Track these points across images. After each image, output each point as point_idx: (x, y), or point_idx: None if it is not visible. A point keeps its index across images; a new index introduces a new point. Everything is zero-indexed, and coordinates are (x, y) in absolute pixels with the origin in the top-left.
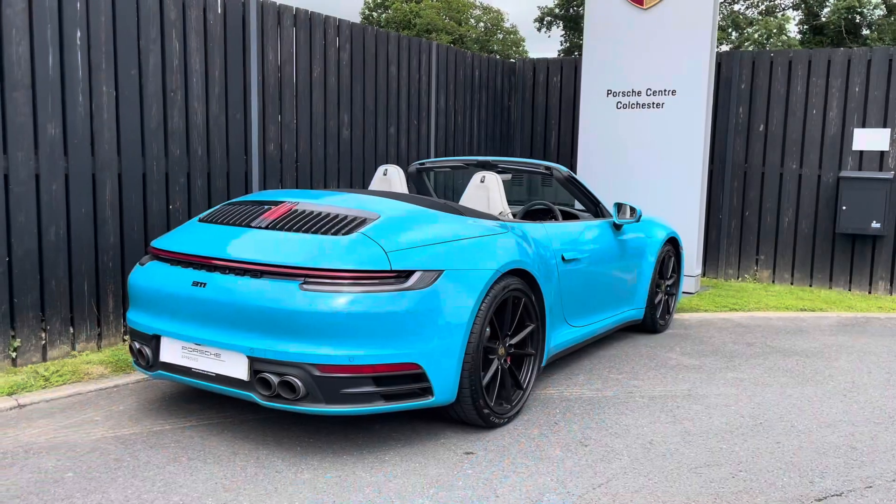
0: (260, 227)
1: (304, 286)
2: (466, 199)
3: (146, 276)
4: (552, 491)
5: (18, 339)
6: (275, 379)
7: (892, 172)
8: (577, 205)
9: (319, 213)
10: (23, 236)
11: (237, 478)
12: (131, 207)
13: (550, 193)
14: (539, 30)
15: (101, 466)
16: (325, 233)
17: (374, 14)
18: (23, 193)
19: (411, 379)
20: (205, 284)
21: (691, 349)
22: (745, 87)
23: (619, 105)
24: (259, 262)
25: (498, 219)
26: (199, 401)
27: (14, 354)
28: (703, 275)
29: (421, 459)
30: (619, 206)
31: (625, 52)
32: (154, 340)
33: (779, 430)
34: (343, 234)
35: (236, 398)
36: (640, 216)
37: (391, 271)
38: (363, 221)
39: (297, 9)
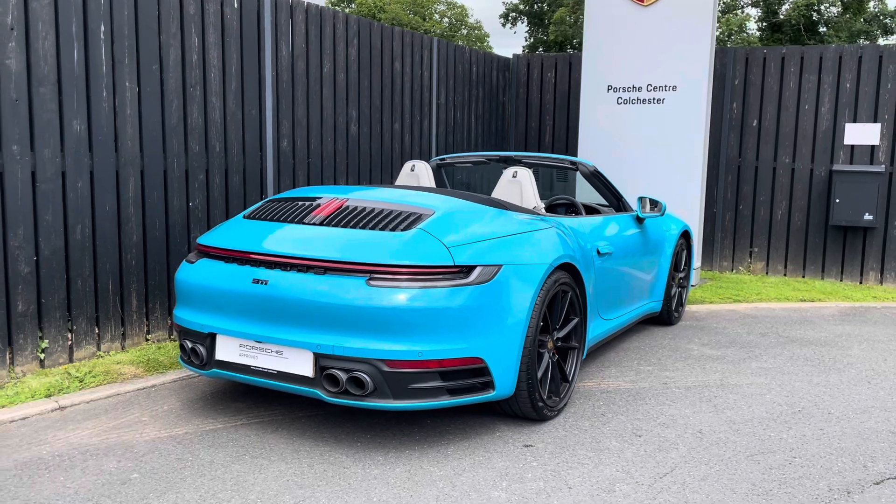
0: (314, 224)
1: (372, 282)
2: (498, 194)
3: (198, 273)
4: (621, 481)
5: (46, 340)
6: (343, 375)
7: (883, 166)
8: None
9: (373, 210)
10: (50, 235)
11: (307, 475)
12: (153, 205)
13: (559, 188)
14: (504, 25)
15: (165, 467)
16: (382, 229)
17: (339, 8)
18: (50, 191)
19: (474, 373)
20: (266, 282)
21: (710, 340)
22: (738, 83)
23: (620, 100)
24: (323, 259)
25: (537, 213)
26: (243, 399)
27: (42, 356)
28: (700, 267)
29: (483, 453)
30: (643, 200)
31: (625, 47)
32: (209, 339)
33: (818, 418)
34: (402, 230)
35: (295, 395)
36: (665, 210)
37: (454, 266)
38: (419, 217)
39: (308, 3)
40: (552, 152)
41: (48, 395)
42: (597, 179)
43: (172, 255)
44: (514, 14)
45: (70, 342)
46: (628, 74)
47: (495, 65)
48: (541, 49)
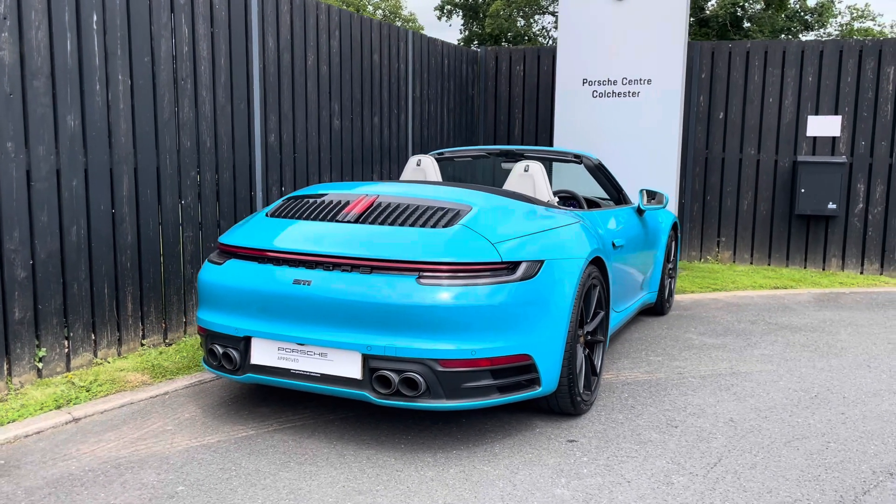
0: (349, 222)
1: (422, 280)
2: (509, 189)
3: (228, 275)
4: (675, 473)
5: (43, 349)
6: (395, 376)
7: (844, 157)
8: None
9: (407, 206)
10: (46, 237)
11: (361, 480)
12: (146, 203)
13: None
14: (440, 18)
15: (210, 478)
16: (423, 225)
17: None
18: (45, 190)
19: (522, 370)
20: (309, 282)
21: (706, 329)
22: (705, 77)
23: (595, 94)
24: (370, 258)
25: (555, 207)
26: (265, 403)
27: (40, 365)
28: None
29: (530, 450)
30: (645, 193)
31: (600, 41)
32: (243, 342)
33: (835, 402)
34: (444, 227)
35: (321, 397)
36: (667, 201)
37: (502, 263)
38: (457, 213)
39: None
40: (522, 146)
41: (58, 407)
42: (600, 172)
43: (166, 255)
44: (449, 6)
45: (67, 350)
46: (603, 68)
47: (464, 58)
48: (475, 42)
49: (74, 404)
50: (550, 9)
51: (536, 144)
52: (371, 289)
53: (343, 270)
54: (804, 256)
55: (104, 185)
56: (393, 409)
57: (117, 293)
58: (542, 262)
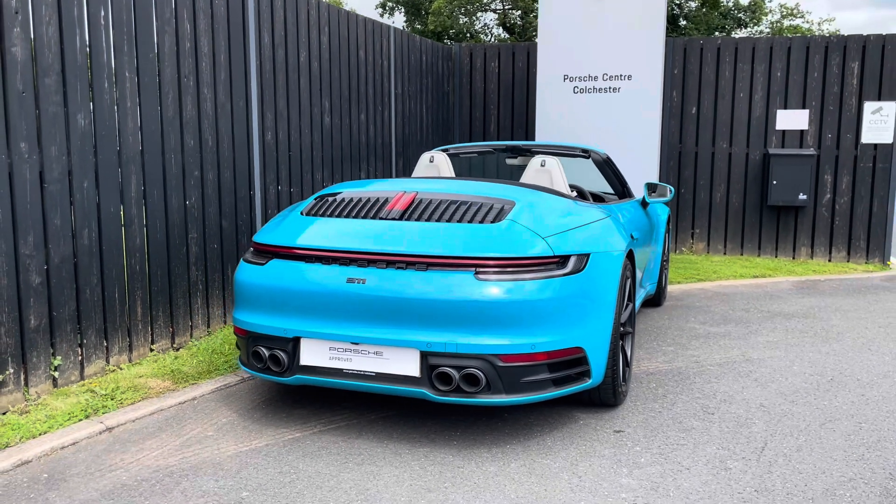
0: (393, 219)
1: (480, 276)
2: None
3: (272, 275)
4: (728, 458)
5: (58, 357)
6: (455, 373)
7: (812, 149)
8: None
9: (450, 202)
10: (59, 241)
11: (425, 478)
12: (154, 205)
13: (505, 174)
14: (382, 15)
15: (271, 482)
16: (471, 221)
17: None
18: (57, 192)
19: (575, 363)
20: (363, 281)
21: (705, 319)
22: (678, 73)
23: (576, 89)
24: (425, 255)
25: (582, 201)
26: (302, 404)
27: (56, 374)
28: None
29: (582, 442)
30: (649, 186)
31: (580, 38)
32: (291, 344)
33: (852, 385)
34: (493, 223)
35: (361, 395)
36: (673, 193)
37: (554, 257)
38: (502, 209)
39: None
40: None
41: (86, 417)
42: (608, 166)
43: (172, 258)
44: (391, 3)
45: (80, 357)
46: (584, 64)
47: (440, 54)
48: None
49: (103, 413)
50: (492, 6)
51: (513, 140)
52: (428, 286)
53: (398, 268)
54: (775, 246)
55: (114, 186)
56: (434, 406)
57: (127, 297)
58: (588, 255)
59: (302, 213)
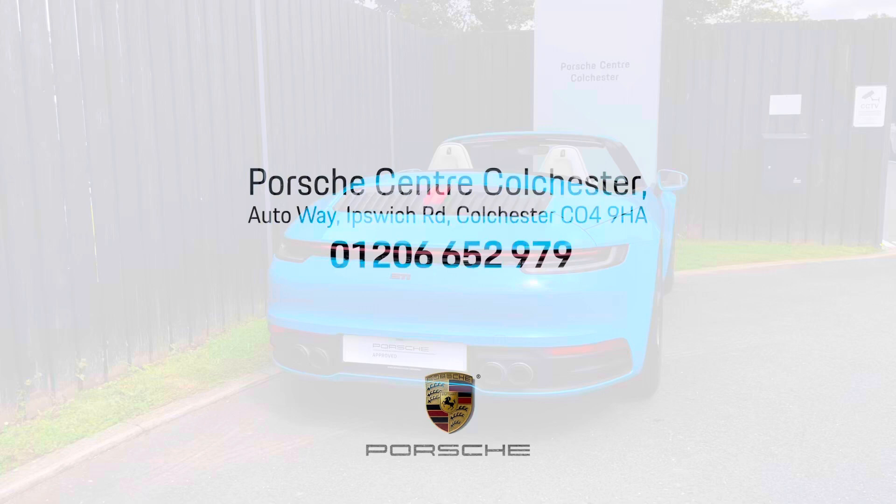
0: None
1: (526, 269)
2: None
3: (311, 271)
4: (772, 444)
5: (83, 359)
6: (504, 367)
7: (805, 133)
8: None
9: (488, 194)
10: (81, 240)
11: (478, 473)
12: (170, 201)
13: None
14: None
15: (324, 480)
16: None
17: None
18: (79, 191)
19: (619, 354)
20: (408, 276)
21: (717, 305)
22: (672, 59)
23: (574, 77)
24: (470, 249)
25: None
26: (336, 403)
27: (82, 377)
28: None
29: (626, 432)
30: (663, 174)
31: (578, 26)
32: (334, 341)
33: (874, 367)
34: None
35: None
36: (687, 181)
37: (596, 248)
38: (539, 201)
39: None
40: (489, 131)
41: (120, 420)
42: (623, 155)
43: (187, 256)
44: None
45: (104, 358)
46: (582, 52)
47: (433, 44)
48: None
49: (136, 416)
50: None
51: (506, 130)
52: (474, 280)
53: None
54: (769, 230)
55: (132, 183)
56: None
57: (147, 297)
58: (626, 245)
59: (335, 208)
